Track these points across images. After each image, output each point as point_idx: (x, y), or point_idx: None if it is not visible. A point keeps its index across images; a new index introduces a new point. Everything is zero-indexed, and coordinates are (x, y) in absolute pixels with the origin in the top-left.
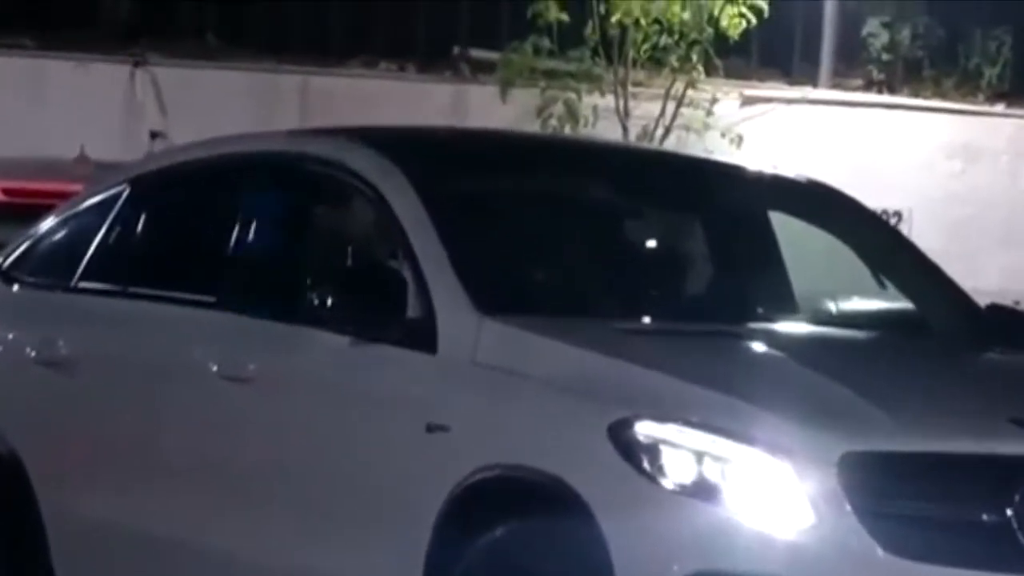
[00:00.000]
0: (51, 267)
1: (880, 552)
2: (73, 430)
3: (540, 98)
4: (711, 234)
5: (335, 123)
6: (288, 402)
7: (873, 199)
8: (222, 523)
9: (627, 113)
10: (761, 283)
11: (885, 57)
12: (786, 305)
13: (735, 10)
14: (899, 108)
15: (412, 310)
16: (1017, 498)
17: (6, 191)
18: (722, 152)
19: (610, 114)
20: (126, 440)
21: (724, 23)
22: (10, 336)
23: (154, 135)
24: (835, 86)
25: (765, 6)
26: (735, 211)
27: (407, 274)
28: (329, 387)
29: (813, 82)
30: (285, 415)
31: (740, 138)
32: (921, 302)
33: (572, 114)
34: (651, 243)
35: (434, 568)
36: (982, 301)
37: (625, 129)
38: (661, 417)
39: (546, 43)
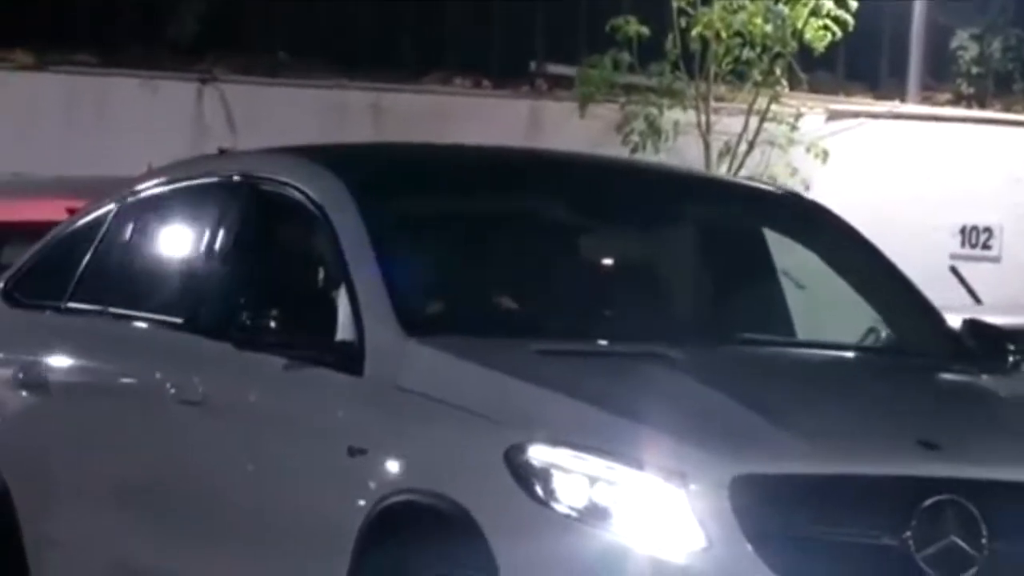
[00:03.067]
0: (46, 288)
1: (772, 575)
2: (51, 455)
3: (620, 113)
4: (660, 251)
5: (408, 139)
6: (229, 425)
7: (963, 215)
8: (175, 548)
9: (709, 128)
10: (697, 301)
11: (975, 70)
12: (732, 325)
13: (820, 22)
14: (989, 123)
15: (344, 332)
16: (915, 521)
17: (72, 211)
18: (809, 168)
19: (692, 129)
20: (97, 465)
21: (808, 36)
22: (4, 358)
23: (222, 152)
24: (923, 100)
25: (851, 18)
26: (690, 226)
27: (344, 295)
28: (264, 410)
29: (901, 96)
30: (226, 438)
31: (826, 153)
32: (893, 320)
33: (653, 129)
34: (590, 262)
35: None
36: None
37: (707, 145)
38: (554, 441)
39: (625, 57)
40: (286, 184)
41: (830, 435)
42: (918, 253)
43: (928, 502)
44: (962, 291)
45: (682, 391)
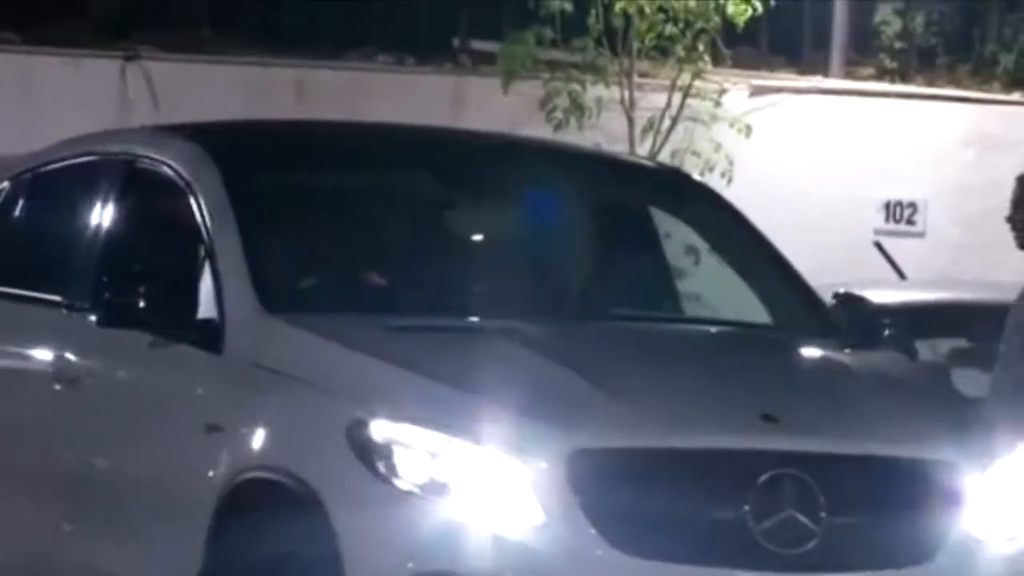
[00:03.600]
0: None
1: (609, 550)
2: None
3: (543, 90)
4: (530, 227)
5: (332, 116)
6: (100, 403)
7: (887, 190)
8: (59, 524)
9: (633, 104)
10: (565, 276)
11: (898, 45)
12: (600, 301)
13: None
14: (913, 97)
15: (206, 309)
16: (753, 494)
17: None
18: (733, 144)
19: (615, 106)
20: None
21: (731, 11)
22: None
23: None
24: (847, 75)
25: None
26: (565, 202)
27: (208, 272)
28: (131, 387)
29: (824, 71)
30: (98, 416)
31: (749, 129)
32: (768, 298)
33: (577, 106)
34: (454, 238)
35: (209, 568)
36: (1003, 293)
37: (631, 121)
38: (395, 417)
39: (549, 33)
40: (158, 161)
41: (669, 409)
42: (842, 228)
43: (766, 476)
44: (887, 266)
45: (527, 366)
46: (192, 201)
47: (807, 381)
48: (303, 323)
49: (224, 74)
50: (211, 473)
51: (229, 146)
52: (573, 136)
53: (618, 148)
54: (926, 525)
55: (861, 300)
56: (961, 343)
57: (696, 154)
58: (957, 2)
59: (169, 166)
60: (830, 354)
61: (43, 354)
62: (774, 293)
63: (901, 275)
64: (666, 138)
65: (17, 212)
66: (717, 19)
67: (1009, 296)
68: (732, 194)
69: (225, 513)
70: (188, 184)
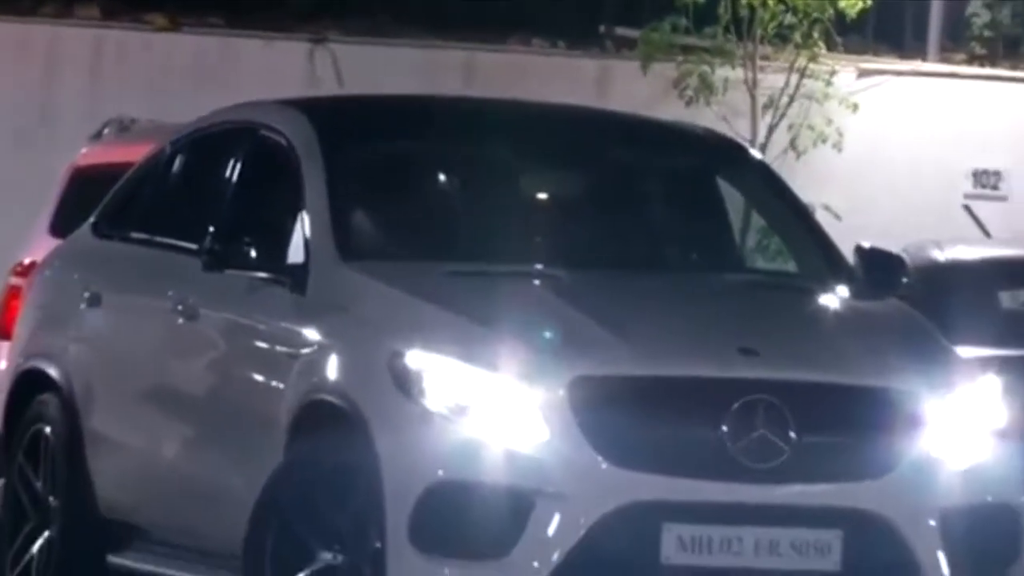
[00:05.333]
0: (118, 220)
1: (604, 464)
2: (99, 363)
3: (677, 71)
4: (585, 185)
5: (496, 95)
6: (212, 335)
7: (975, 160)
8: (174, 439)
9: (755, 84)
10: (619, 230)
11: (987, 34)
12: (634, 249)
13: None
14: (999, 80)
15: (295, 256)
16: (730, 416)
17: None
18: (842, 119)
19: (740, 85)
20: (130, 372)
21: (843, 3)
22: (79, 279)
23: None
24: (942, 60)
25: None
26: (616, 163)
27: (303, 224)
28: (233, 322)
29: (922, 56)
30: (208, 346)
31: (856, 106)
32: (795, 250)
33: (706, 85)
34: (510, 196)
35: (281, 475)
36: None
37: (754, 98)
38: (427, 348)
39: (683, 22)
40: (273, 128)
41: (659, 342)
42: (937, 193)
43: (740, 400)
44: (974, 226)
45: (544, 307)
46: (294, 163)
47: (795, 320)
48: (369, 269)
49: (400, 56)
50: (288, 395)
51: (329, 117)
52: (702, 111)
53: (741, 122)
54: (886, 445)
55: (882, 252)
56: None
57: (810, 128)
58: None
59: (280, 133)
60: (828, 297)
61: (174, 294)
62: (801, 246)
63: (987, 234)
64: (784, 113)
65: (170, 171)
66: (831, 10)
67: None
68: (841, 163)
69: (297, 428)
70: (292, 148)
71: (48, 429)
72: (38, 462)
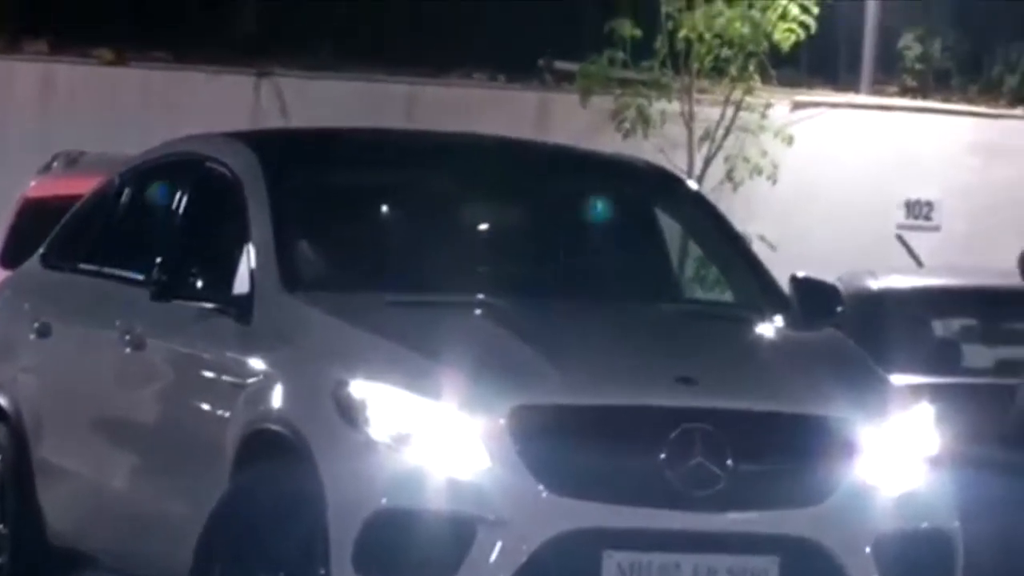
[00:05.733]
0: (67, 251)
1: (544, 492)
2: (47, 393)
3: (615, 104)
4: (526, 216)
5: (438, 127)
6: (157, 364)
7: (908, 190)
8: (120, 467)
9: (692, 117)
10: (559, 260)
11: (918, 67)
12: (573, 279)
13: (787, 25)
14: (930, 111)
15: (241, 287)
16: (669, 444)
17: None
18: (777, 151)
19: (677, 118)
20: (77, 401)
21: (777, 37)
22: (29, 310)
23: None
24: (875, 92)
25: (813, 22)
26: (556, 195)
27: (249, 255)
28: (178, 351)
29: (855, 89)
30: (155, 375)
31: (791, 138)
32: (732, 281)
33: (644, 118)
34: (450, 226)
35: (226, 505)
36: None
37: (690, 131)
38: (371, 377)
39: (621, 55)
40: (219, 161)
41: (598, 371)
42: (869, 223)
43: (680, 428)
44: (906, 256)
45: (485, 335)
46: (239, 195)
47: (732, 349)
48: (313, 299)
49: (343, 90)
50: (233, 424)
51: (274, 149)
52: (640, 144)
53: (678, 154)
54: (822, 472)
55: (816, 282)
56: (970, 322)
57: (746, 160)
58: (969, 30)
59: (226, 165)
60: (764, 327)
61: (121, 324)
62: (738, 276)
63: (919, 263)
64: (720, 146)
65: (118, 203)
66: (765, 44)
67: (1011, 281)
68: (776, 194)
69: (242, 457)
70: (238, 180)
71: None
72: None
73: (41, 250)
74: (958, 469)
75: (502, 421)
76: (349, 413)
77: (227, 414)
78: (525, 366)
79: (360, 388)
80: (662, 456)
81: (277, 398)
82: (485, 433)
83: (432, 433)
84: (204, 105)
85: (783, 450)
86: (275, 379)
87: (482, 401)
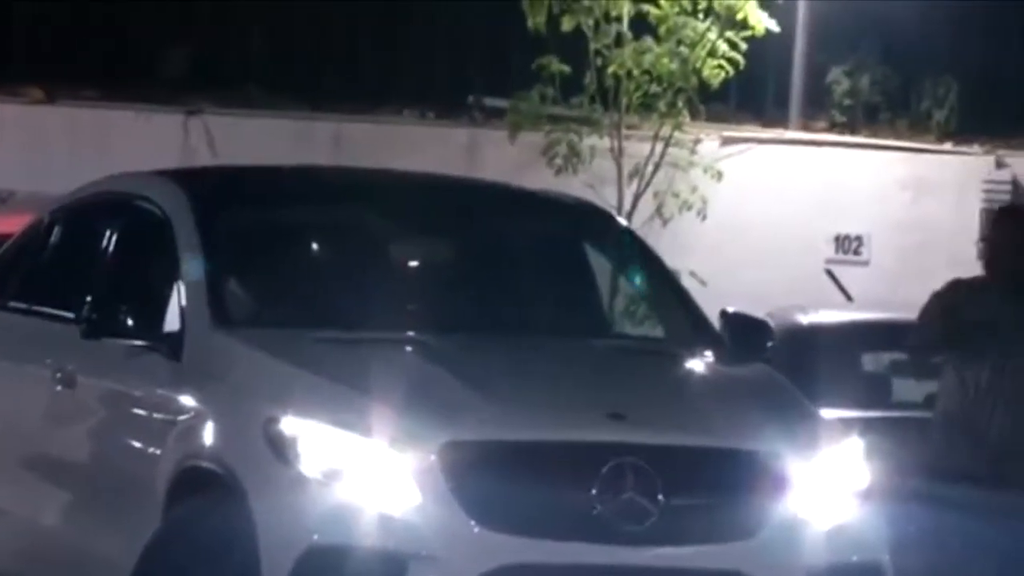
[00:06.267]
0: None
1: (476, 527)
2: None
3: (545, 140)
4: (456, 252)
5: (367, 164)
6: (89, 403)
7: (837, 225)
8: (53, 507)
9: (621, 152)
10: (479, 297)
11: (847, 102)
12: (503, 315)
13: (715, 62)
14: (859, 147)
15: (172, 323)
16: (600, 480)
17: None
18: (707, 186)
19: (607, 153)
20: (12, 441)
21: (706, 73)
22: None
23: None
24: (803, 127)
25: (741, 59)
26: (485, 231)
27: (179, 292)
28: (110, 388)
29: (784, 124)
30: (85, 414)
31: (720, 174)
32: (662, 316)
33: (574, 153)
34: (381, 264)
35: (158, 542)
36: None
37: (620, 167)
38: (300, 414)
39: (550, 92)
40: (146, 199)
41: (529, 408)
42: (799, 258)
43: (609, 464)
44: (836, 290)
45: (415, 372)
46: (168, 233)
47: (663, 384)
48: (243, 336)
49: (272, 127)
50: (164, 461)
51: (202, 187)
52: (569, 180)
53: (608, 190)
54: (753, 506)
55: (747, 317)
56: (900, 356)
57: (675, 195)
58: (898, 65)
59: (154, 203)
60: (695, 362)
61: (52, 362)
62: (668, 312)
63: (848, 298)
64: (649, 181)
65: (48, 241)
66: (694, 80)
67: None
68: (706, 229)
69: (174, 495)
70: (167, 218)
71: None
72: None
73: None
74: (889, 503)
75: (433, 457)
76: (280, 450)
77: (158, 451)
78: (456, 402)
79: (291, 424)
80: (593, 491)
81: (208, 435)
82: (416, 469)
83: (363, 469)
84: (133, 143)
85: (714, 484)
86: (206, 416)
87: (413, 437)
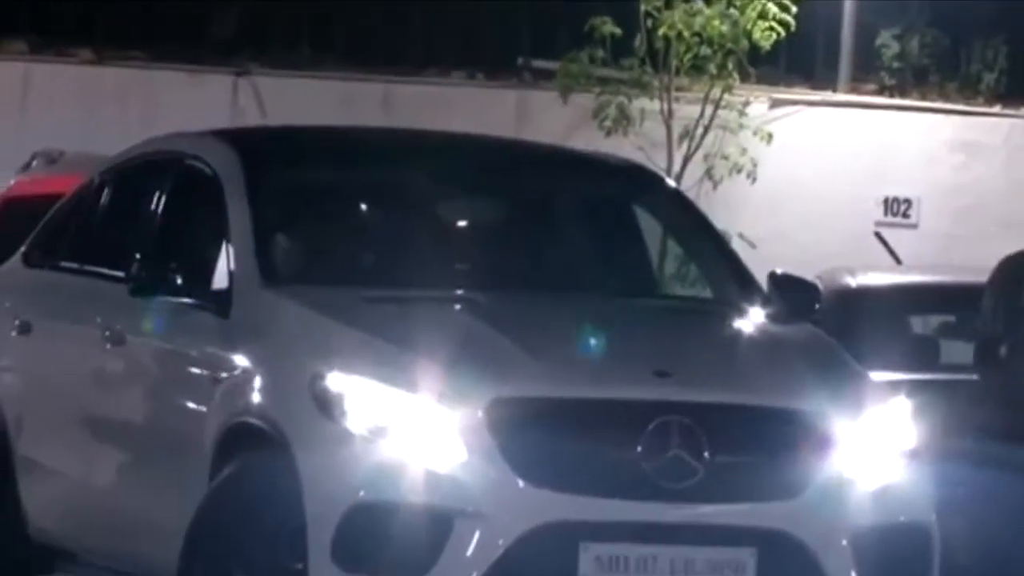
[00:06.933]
0: (49, 249)
1: (521, 484)
2: (30, 389)
3: (595, 102)
4: (505, 213)
5: (415, 126)
6: (137, 362)
7: (886, 188)
8: (103, 463)
9: (671, 115)
10: (537, 256)
11: (896, 65)
12: (551, 274)
13: (766, 24)
14: (908, 109)
15: (220, 281)
16: (645, 437)
17: None
18: (756, 149)
19: (656, 116)
20: (60, 397)
21: (756, 35)
22: (10, 308)
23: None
24: (852, 90)
25: (792, 20)
26: (535, 192)
27: (228, 251)
28: (158, 346)
29: (833, 87)
30: (136, 370)
31: (770, 136)
32: (711, 277)
33: (624, 116)
34: (429, 223)
35: (208, 499)
36: (983, 276)
37: (669, 129)
38: (347, 370)
39: (600, 53)
40: (198, 158)
41: (575, 365)
42: (848, 220)
43: (656, 421)
44: (885, 253)
45: (463, 329)
46: (218, 192)
47: (709, 342)
48: (291, 294)
49: (321, 88)
50: (212, 418)
51: (253, 147)
52: (619, 141)
53: (658, 152)
54: (798, 465)
55: (795, 279)
56: (948, 318)
57: (725, 157)
58: (947, 28)
59: (205, 162)
60: (741, 321)
61: (101, 321)
62: (717, 273)
63: (898, 261)
64: (699, 144)
65: (99, 201)
66: (744, 42)
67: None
68: (755, 192)
69: (221, 452)
70: (217, 177)
71: None
72: None
73: (23, 248)
74: (936, 463)
75: (480, 413)
76: (326, 406)
77: (206, 408)
78: (503, 359)
79: (337, 381)
80: (639, 448)
81: (255, 391)
82: (463, 425)
83: (410, 426)
84: (182, 104)
85: (759, 443)
86: (253, 373)
87: (459, 393)
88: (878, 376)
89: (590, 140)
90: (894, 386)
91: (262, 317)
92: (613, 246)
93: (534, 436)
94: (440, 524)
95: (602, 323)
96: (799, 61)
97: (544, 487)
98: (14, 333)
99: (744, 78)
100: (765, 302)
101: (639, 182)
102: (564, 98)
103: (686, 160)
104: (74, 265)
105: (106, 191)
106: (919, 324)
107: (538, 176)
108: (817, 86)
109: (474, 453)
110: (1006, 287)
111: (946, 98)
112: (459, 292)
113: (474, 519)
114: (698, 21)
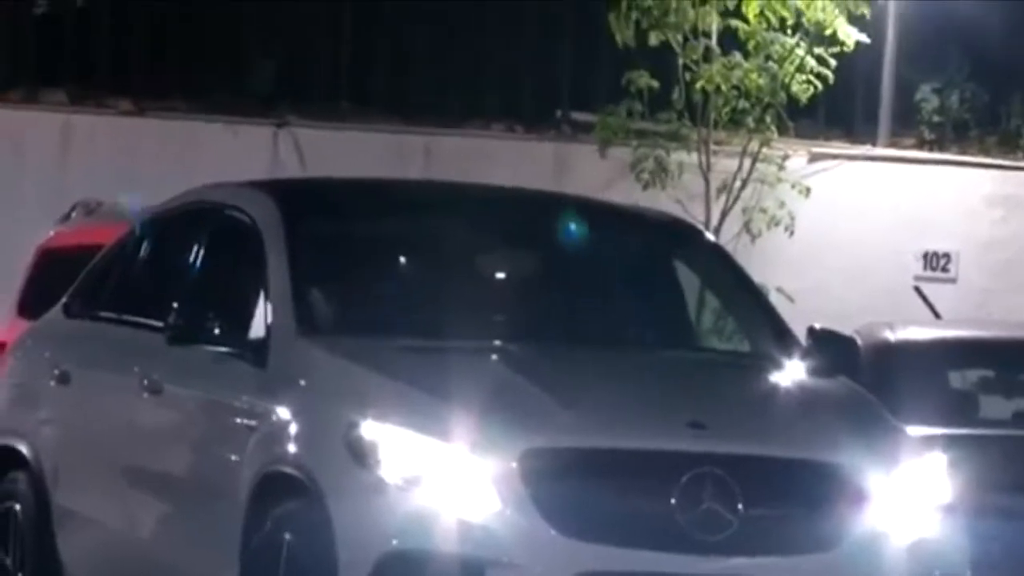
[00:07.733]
0: (88, 300)
1: (555, 535)
2: (68, 440)
3: (633, 155)
4: (543, 266)
5: (455, 178)
6: (177, 408)
7: (925, 243)
8: (140, 513)
9: (709, 168)
10: (574, 308)
11: (936, 119)
12: (588, 326)
13: (804, 78)
14: (948, 164)
15: (258, 331)
16: (680, 489)
17: None
18: (795, 202)
19: (694, 169)
20: (97, 447)
21: (795, 89)
22: (50, 358)
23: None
24: (892, 144)
25: (830, 74)
26: (571, 244)
27: (265, 300)
28: (198, 394)
29: (873, 141)
30: (173, 419)
31: (808, 190)
32: (748, 330)
33: (661, 169)
34: (464, 275)
35: (244, 548)
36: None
37: (707, 182)
38: (381, 419)
39: (638, 106)
40: (237, 208)
41: (609, 416)
42: (887, 275)
43: (691, 473)
44: (923, 307)
45: (497, 379)
46: (257, 242)
47: (744, 395)
48: (327, 344)
49: (361, 141)
50: (247, 467)
51: (292, 198)
52: (657, 194)
53: (696, 205)
54: (833, 518)
55: (834, 333)
56: (987, 373)
57: (763, 211)
58: (986, 82)
59: (245, 213)
60: (777, 374)
61: (139, 370)
62: (754, 326)
63: (937, 315)
64: (737, 196)
65: (138, 251)
66: (783, 95)
67: None
68: (793, 245)
69: (256, 501)
70: (256, 228)
71: (18, 506)
72: (8, 539)
73: (64, 299)
74: (973, 519)
75: (513, 464)
76: (360, 455)
77: (241, 457)
78: (537, 409)
79: (371, 430)
80: (673, 500)
81: (290, 440)
82: (496, 475)
83: (443, 475)
84: (222, 155)
85: (794, 496)
86: (288, 422)
87: (493, 443)
88: (915, 431)
89: (628, 193)
90: (931, 440)
91: (298, 366)
92: (651, 299)
93: (567, 486)
94: (472, 574)
95: (637, 375)
96: (838, 115)
97: (577, 538)
98: (53, 383)
99: (783, 132)
100: (802, 356)
101: (678, 235)
102: (602, 151)
103: (724, 213)
104: (113, 315)
105: (146, 241)
106: (957, 379)
107: (576, 229)
108: (856, 140)
109: (507, 503)
110: None
111: (985, 152)
112: (494, 343)
113: (507, 569)
114: (736, 74)
